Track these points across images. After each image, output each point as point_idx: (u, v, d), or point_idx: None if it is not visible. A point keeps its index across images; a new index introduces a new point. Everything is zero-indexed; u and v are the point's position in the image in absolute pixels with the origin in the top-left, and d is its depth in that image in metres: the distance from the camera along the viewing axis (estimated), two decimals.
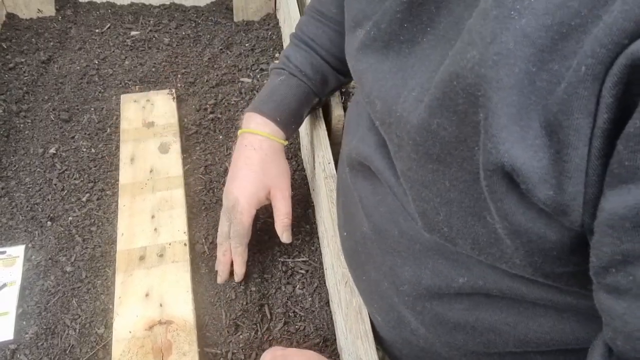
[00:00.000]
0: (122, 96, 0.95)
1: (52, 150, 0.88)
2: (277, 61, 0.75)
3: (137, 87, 1.00)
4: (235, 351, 0.67)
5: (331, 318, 0.71)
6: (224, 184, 0.84)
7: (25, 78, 0.99)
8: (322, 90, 0.73)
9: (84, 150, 0.89)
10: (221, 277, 0.71)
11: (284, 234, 0.71)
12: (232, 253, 0.70)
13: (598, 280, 0.32)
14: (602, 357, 0.34)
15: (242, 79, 1.03)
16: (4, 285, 0.71)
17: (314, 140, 0.79)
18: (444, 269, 0.47)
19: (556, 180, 0.30)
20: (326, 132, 0.78)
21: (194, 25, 1.14)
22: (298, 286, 0.74)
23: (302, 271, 0.76)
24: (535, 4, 0.29)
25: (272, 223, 0.80)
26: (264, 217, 0.81)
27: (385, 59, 0.45)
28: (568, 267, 0.36)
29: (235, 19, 1.17)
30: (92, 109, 0.95)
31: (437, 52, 0.39)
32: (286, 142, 0.72)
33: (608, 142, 0.28)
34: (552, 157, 0.30)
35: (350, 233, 0.59)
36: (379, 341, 0.62)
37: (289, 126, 0.71)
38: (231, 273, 0.72)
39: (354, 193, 0.57)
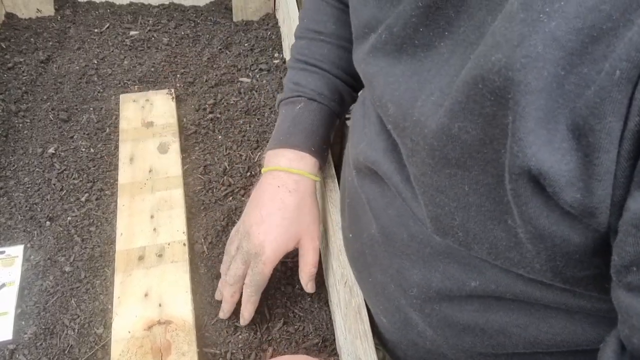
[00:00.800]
0: (121, 96, 0.95)
1: (51, 150, 0.88)
2: (278, 96, 0.71)
3: (136, 87, 1.00)
4: (234, 351, 0.67)
5: (330, 318, 0.71)
6: (223, 184, 0.85)
7: (24, 78, 0.99)
8: (341, 110, 0.69)
9: (83, 150, 0.89)
10: (224, 314, 0.67)
11: (309, 284, 0.67)
12: (244, 299, 0.65)
13: (619, 279, 0.32)
14: (615, 353, 0.34)
15: (241, 79, 1.03)
16: (3, 285, 0.71)
17: None
18: (455, 272, 0.46)
19: (584, 183, 0.30)
20: None
21: (193, 25, 1.14)
22: (297, 286, 0.74)
23: None
24: (566, 7, 0.29)
25: None
26: None
27: (398, 63, 0.44)
28: (588, 271, 0.36)
29: (234, 19, 1.17)
30: (91, 108, 0.95)
31: (457, 57, 0.38)
32: (319, 178, 0.66)
33: (638, 145, 0.28)
34: (580, 161, 0.30)
35: (356, 235, 0.58)
36: (383, 342, 0.62)
37: (323, 154, 0.67)
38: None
39: (361, 195, 0.56)
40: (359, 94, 0.65)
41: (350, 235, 0.60)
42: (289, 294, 0.73)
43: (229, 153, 0.90)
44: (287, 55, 1.06)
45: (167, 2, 1.17)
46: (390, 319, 0.56)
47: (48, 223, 0.78)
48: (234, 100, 0.98)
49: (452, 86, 0.37)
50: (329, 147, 0.68)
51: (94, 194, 0.82)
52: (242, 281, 0.64)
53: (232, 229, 0.79)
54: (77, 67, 1.02)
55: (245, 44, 1.11)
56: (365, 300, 0.61)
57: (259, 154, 0.90)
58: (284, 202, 0.62)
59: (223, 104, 0.98)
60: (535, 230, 0.34)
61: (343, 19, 0.67)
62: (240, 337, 0.68)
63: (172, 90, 0.97)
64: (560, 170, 0.30)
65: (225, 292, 0.66)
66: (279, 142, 0.65)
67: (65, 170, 0.85)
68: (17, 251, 0.75)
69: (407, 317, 0.53)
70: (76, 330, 0.68)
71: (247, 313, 0.65)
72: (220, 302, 0.69)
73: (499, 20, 0.33)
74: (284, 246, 0.62)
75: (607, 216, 0.31)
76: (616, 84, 0.28)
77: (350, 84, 0.69)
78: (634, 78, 0.27)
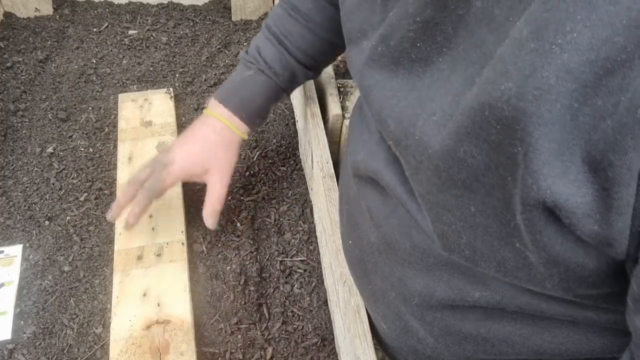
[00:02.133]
0: (120, 95, 0.95)
1: (50, 150, 0.88)
2: (247, 48, 0.75)
3: (134, 86, 1.00)
4: (233, 351, 0.67)
5: (329, 317, 0.71)
6: None
7: (23, 77, 0.99)
8: (290, 86, 0.75)
9: (82, 149, 0.88)
10: (112, 217, 0.71)
11: (210, 219, 0.71)
12: (134, 201, 0.69)
13: (636, 307, 0.32)
14: None
15: None
16: (2, 284, 0.71)
17: (312, 140, 0.79)
18: (459, 283, 0.46)
19: (601, 215, 0.30)
20: (324, 132, 0.78)
21: (191, 24, 1.14)
22: (296, 285, 0.74)
23: (300, 270, 0.76)
24: (579, 39, 0.28)
25: (269, 223, 0.80)
26: (261, 217, 0.81)
27: (394, 76, 0.44)
28: (602, 290, 0.36)
29: (233, 18, 1.17)
30: (90, 108, 0.95)
31: (458, 75, 0.38)
32: (246, 137, 0.74)
33: None
34: (597, 193, 0.30)
35: (355, 242, 0.58)
36: (383, 347, 0.62)
37: (254, 121, 0.73)
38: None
39: (360, 203, 0.56)
40: (357, 97, 0.65)
41: (350, 242, 0.60)
42: (287, 293, 0.73)
43: None
44: None
45: (165, 2, 1.17)
46: (390, 326, 0.56)
47: (47, 223, 0.78)
48: None
49: (455, 107, 0.37)
50: (264, 115, 0.75)
51: (92, 194, 0.82)
52: (139, 185, 0.69)
53: (231, 228, 0.79)
54: (76, 67, 1.02)
55: (244, 43, 1.10)
56: (366, 308, 0.61)
57: (258, 153, 0.90)
58: (207, 137, 0.70)
59: None
60: (548, 256, 0.34)
61: (322, 5, 0.70)
62: (239, 336, 0.68)
63: (171, 89, 0.97)
64: (576, 203, 0.30)
65: (119, 193, 0.71)
66: (221, 98, 0.72)
67: (64, 169, 0.85)
68: (16, 251, 0.75)
69: (408, 324, 0.53)
70: (75, 330, 0.68)
71: (132, 216, 0.69)
72: (221, 302, 0.68)
73: (507, 47, 0.32)
74: (191, 166, 0.70)
75: (625, 246, 0.31)
76: (638, 122, 0.27)
77: (307, 65, 0.73)
78: None
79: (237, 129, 0.72)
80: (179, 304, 0.68)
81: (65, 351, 0.66)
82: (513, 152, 0.32)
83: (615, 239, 0.31)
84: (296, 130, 0.94)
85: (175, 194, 0.80)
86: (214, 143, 0.70)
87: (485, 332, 0.47)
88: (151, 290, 0.69)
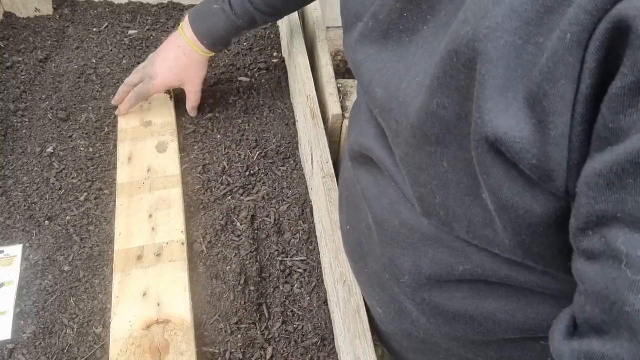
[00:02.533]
0: None
1: (50, 150, 0.88)
2: None
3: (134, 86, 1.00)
4: (233, 350, 0.67)
5: (329, 317, 0.71)
6: (222, 183, 0.85)
7: (23, 77, 0.99)
8: (249, 26, 0.85)
9: (82, 149, 0.88)
10: (115, 100, 0.91)
11: (192, 112, 0.94)
12: (127, 98, 0.89)
13: (577, 246, 0.32)
14: (567, 329, 0.34)
15: (240, 78, 1.03)
16: (2, 284, 0.71)
17: (312, 140, 0.79)
18: (443, 257, 0.47)
19: (538, 149, 0.31)
20: (324, 131, 0.78)
21: None
22: (296, 285, 0.74)
23: (300, 270, 0.76)
24: None
25: (269, 223, 0.80)
26: (261, 217, 0.81)
27: (384, 49, 0.46)
28: (555, 248, 0.36)
29: None
30: (90, 108, 0.95)
31: (440, 39, 0.40)
32: (211, 54, 0.88)
33: (591, 108, 0.29)
34: (535, 128, 0.31)
35: (353, 226, 0.60)
36: (379, 335, 0.62)
37: (216, 48, 0.87)
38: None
39: (357, 186, 0.58)
40: (357, 94, 0.67)
41: (348, 227, 0.61)
42: (287, 293, 0.73)
43: (227, 152, 0.89)
44: (286, 54, 1.05)
45: (165, 2, 1.17)
46: (385, 309, 0.57)
47: (47, 222, 0.78)
48: (232, 100, 0.98)
49: (434, 67, 0.38)
50: (226, 43, 0.88)
51: (92, 194, 0.82)
52: (132, 87, 0.89)
53: (231, 228, 0.79)
54: (76, 67, 1.02)
55: (244, 43, 1.10)
56: (362, 295, 0.62)
57: (258, 153, 0.90)
58: (179, 57, 0.86)
59: (222, 103, 0.98)
60: (499, 201, 0.35)
61: None
62: (239, 336, 0.68)
63: (171, 89, 0.97)
64: (514, 137, 0.31)
65: (119, 90, 0.91)
66: (192, 22, 0.84)
67: (64, 169, 0.85)
68: (16, 251, 0.75)
69: (402, 306, 0.54)
70: (75, 330, 0.68)
71: (123, 108, 0.90)
72: (221, 302, 0.69)
73: None
74: (169, 81, 0.88)
75: (564, 180, 0.31)
76: (568, 48, 0.28)
77: (267, 13, 0.82)
78: (584, 41, 0.28)
79: (203, 52, 0.86)
80: (179, 303, 0.68)
81: (65, 351, 0.66)
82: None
83: (553, 171, 0.31)
84: (296, 130, 0.94)
85: (175, 194, 0.80)
86: (184, 64, 0.87)
87: (473, 310, 0.48)
88: (151, 290, 0.69)
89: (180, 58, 0.86)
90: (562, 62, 0.29)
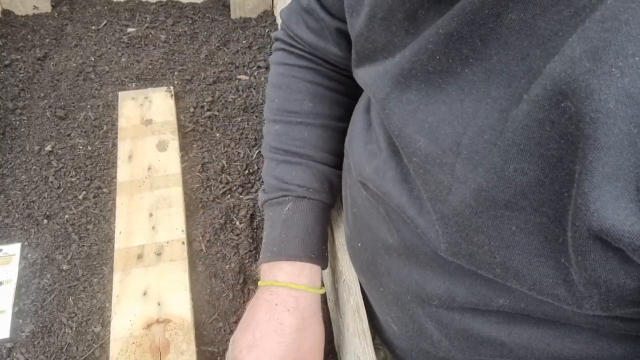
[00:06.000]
0: (120, 93, 0.95)
1: (48, 148, 0.87)
2: (261, 193, 0.63)
3: (133, 84, 0.99)
4: None
5: (329, 316, 0.71)
6: (221, 182, 0.84)
7: (21, 75, 0.98)
8: (332, 199, 0.63)
9: (81, 147, 0.88)
10: None
11: None
12: None
13: None
14: None
15: (239, 77, 1.03)
16: (0, 283, 0.71)
17: None
18: (482, 289, 0.44)
19: None
20: None
21: (190, 22, 1.14)
22: None
23: None
24: None
25: None
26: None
27: (407, 88, 0.42)
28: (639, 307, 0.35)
29: (232, 16, 1.17)
30: (89, 106, 0.95)
31: (500, 89, 0.36)
32: (324, 290, 0.60)
33: None
34: None
35: (365, 245, 0.56)
36: (391, 348, 0.61)
37: (324, 256, 0.61)
38: None
39: (376, 207, 0.53)
40: (360, 98, 0.60)
41: (359, 244, 0.57)
42: None
43: (226, 151, 0.89)
44: None
45: None
46: (402, 328, 0.54)
47: (45, 221, 0.78)
48: (232, 98, 0.98)
49: (504, 123, 0.35)
50: (327, 245, 0.62)
51: (91, 192, 0.82)
52: None
53: (230, 227, 0.79)
54: (75, 65, 1.01)
55: (243, 41, 1.10)
56: (374, 309, 0.59)
57: (257, 151, 0.90)
58: (281, 323, 0.54)
59: (221, 101, 0.97)
60: (590, 278, 0.33)
61: (320, 94, 0.63)
62: None
63: (171, 87, 0.96)
64: (622, 231, 0.29)
65: None
66: (274, 254, 0.58)
67: (62, 168, 0.85)
68: (14, 249, 0.74)
69: (422, 327, 0.51)
70: (74, 329, 0.67)
71: None
72: (220, 300, 0.68)
73: (557, 63, 0.31)
74: None
75: None
76: None
77: (336, 165, 0.63)
78: None
79: (313, 288, 0.57)
80: (179, 303, 0.67)
81: (64, 350, 0.66)
82: (573, 169, 0.31)
83: None
84: None
85: (176, 193, 0.80)
86: (293, 330, 0.54)
87: (505, 335, 0.46)
88: (151, 289, 0.68)
89: (284, 325, 0.54)
90: None
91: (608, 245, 0.31)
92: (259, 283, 0.59)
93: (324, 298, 0.73)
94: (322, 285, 0.60)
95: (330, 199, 0.62)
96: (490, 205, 0.37)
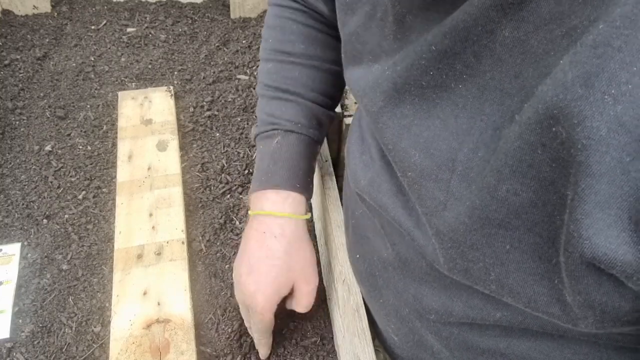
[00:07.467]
0: (120, 93, 0.95)
1: (48, 148, 0.87)
2: (254, 128, 0.66)
3: (133, 84, 0.99)
4: (233, 350, 0.67)
5: (328, 316, 0.71)
6: (220, 182, 0.84)
7: (21, 75, 0.98)
8: (320, 135, 0.66)
9: (80, 147, 0.88)
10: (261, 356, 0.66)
11: (304, 309, 0.63)
12: (255, 343, 0.65)
13: None
14: None
15: (239, 76, 1.03)
16: (0, 283, 0.71)
17: None
18: (479, 303, 0.44)
19: None
20: None
21: (190, 22, 1.14)
22: None
23: None
24: (635, 92, 0.27)
25: None
26: None
27: (400, 102, 0.42)
28: (636, 326, 0.35)
29: (232, 16, 1.17)
30: (88, 106, 0.95)
31: (493, 106, 0.36)
32: (308, 215, 0.63)
33: None
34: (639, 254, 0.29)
35: (364, 256, 0.56)
36: (392, 356, 0.61)
37: (308, 187, 0.63)
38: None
39: (372, 219, 0.54)
40: (354, 113, 0.60)
41: (357, 255, 0.58)
42: None
43: (226, 150, 0.89)
44: None
45: None
46: (402, 339, 0.54)
47: (45, 221, 0.78)
48: (231, 98, 0.98)
49: (497, 142, 0.35)
50: (313, 177, 0.65)
51: (91, 192, 0.82)
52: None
53: (230, 226, 0.79)
54: (74, 64, 1.01)
55: (243, 41, 1.10)
56: (375, 318, 0.60)
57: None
58: (270, 248, 0.59)
59: (221, 101, 0.97)
60: (585, 301, 0.33)
61: (312, 36, 0.65)
62: (239, 335, 0.68)
63: (171, 87, 0.96)
64: (614, 260, 0.29)
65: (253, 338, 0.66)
66: (261, 183, 0.62)
67: (62, 167, 0.85)
68: (14, 249, 0.74)
69: (422, 338, 0.52)
70: (74, 329, 0.67)
71: (261, 354, 0.65)
72: (217, 298, 0.68)
73: (549, 87, 0.30)
74: (276, 294, 0.59)
75: None
76: None
77: (326, 105, 0.66)
78: None
79: (297, 214, 0.61)
80: (179, 303, 0.67)
81: (63, 350, 0.66)
82: (565, 193, 0.31)
83: None
84: None
85: (176, 192, 0.80)
86: (282, 254, 0.59)
87: (504, 347, 0.46)
88: (151, 289, 0.68)
89: (273, 250, 0.59)
90: None
91: (601, 271, 0.31)
92: (249, 212, 0.63)
93: (323, 294, 0.73)
94: (308, 212, 0.64)
95: (318, 136, 0.65)
96: (485, 223, 0.36)
